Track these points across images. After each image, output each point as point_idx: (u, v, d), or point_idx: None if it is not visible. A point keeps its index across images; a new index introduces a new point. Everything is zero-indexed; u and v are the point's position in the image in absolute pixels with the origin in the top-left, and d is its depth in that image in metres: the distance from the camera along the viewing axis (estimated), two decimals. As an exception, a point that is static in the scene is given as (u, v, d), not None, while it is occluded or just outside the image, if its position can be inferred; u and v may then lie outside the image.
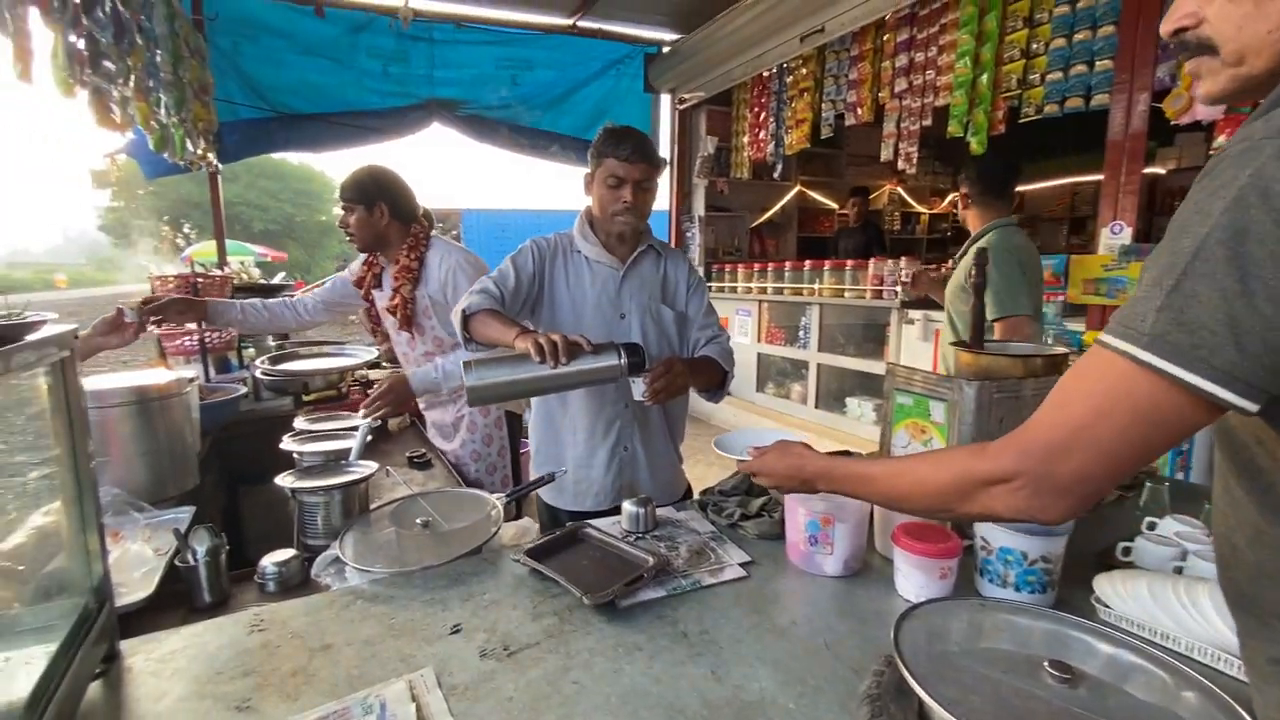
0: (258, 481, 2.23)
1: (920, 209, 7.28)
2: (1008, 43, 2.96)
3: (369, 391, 1.88)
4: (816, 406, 4.66)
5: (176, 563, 1.13)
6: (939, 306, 4.08)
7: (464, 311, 1.39)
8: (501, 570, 1.08)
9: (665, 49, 5.04)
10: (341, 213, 1.90)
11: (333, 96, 4.27)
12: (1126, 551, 1.06)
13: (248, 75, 4.09)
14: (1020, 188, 6.69)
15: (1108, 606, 0.91)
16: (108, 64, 1.80)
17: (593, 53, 4.91)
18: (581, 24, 4.71)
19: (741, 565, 1.07)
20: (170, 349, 2.48)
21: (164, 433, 1.55)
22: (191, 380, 1.70)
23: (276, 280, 4.21)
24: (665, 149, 5.36)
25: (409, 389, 1.88)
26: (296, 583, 1.18)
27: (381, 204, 1.85)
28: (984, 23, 3.03)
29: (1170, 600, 0.86)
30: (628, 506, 1.23)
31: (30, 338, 0.68)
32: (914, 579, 0.95)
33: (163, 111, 2.57)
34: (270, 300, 2.12)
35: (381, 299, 1.99)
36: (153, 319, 1.84)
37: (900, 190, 7.11)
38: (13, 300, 0.78)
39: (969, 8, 3.07)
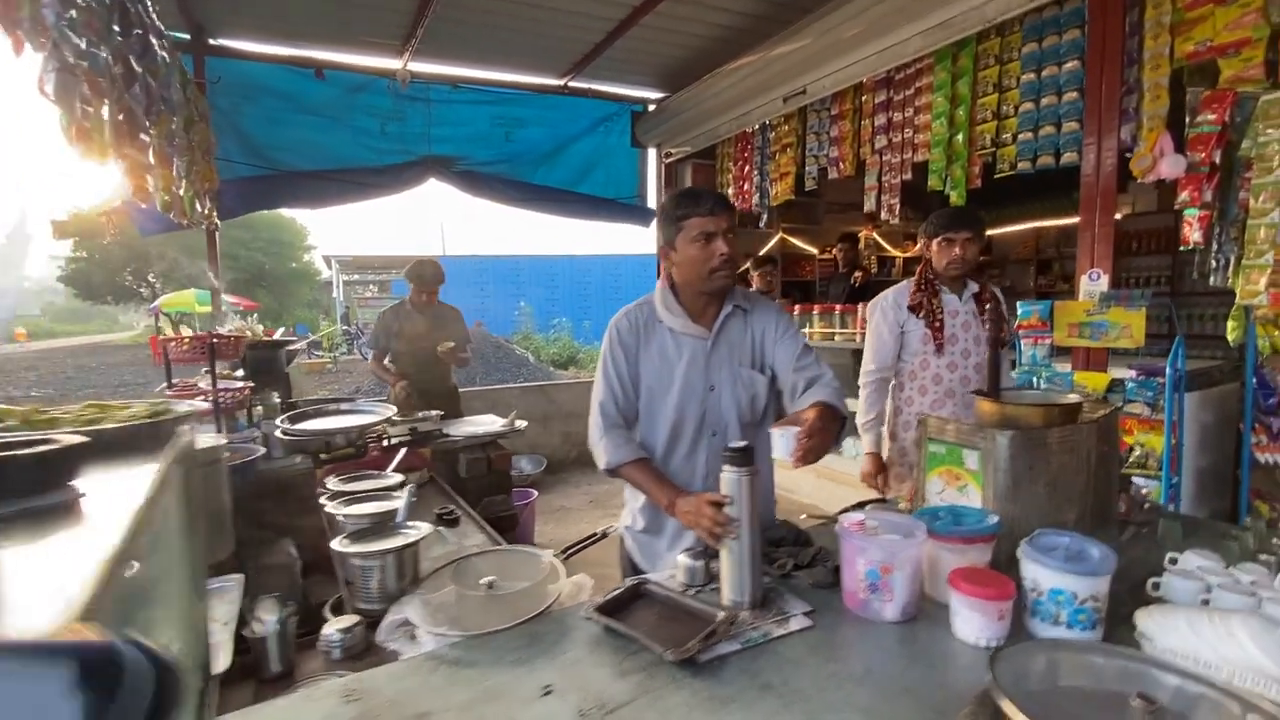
0: (269, 544, 2.20)
1: (895, 252, 7.59)
2: (980, 105, 3.20)
3: (389, 449, 1.89)
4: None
5: (244, 633, 1.14)
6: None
7: (608, 467, 1.47)
8: (571, 627, 1.11)
9: (651, 107, 5.28)
10: (963, 245, 2.17)
11: (330, 154, 4.36)
12: (1156, 586, 1.14)
13: (246, 134, 4.17)
14: (990, 231, 7.05)
15: (1150, 640, 0.98)
16: (144, 137, 1.85)
17: (582, 111, 5.12)
18: (572, 84, 4.93)
19: (804, 615, 1.12)
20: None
21: (205, 499, 1.55)
22: (225, 444, 1.71)
23: (279, 335, 4.17)
24: (653, 199, 5.55)
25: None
26: (361, 649, 1.19)
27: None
28: (956, 88, 3.28)
29: (1207, 632, 0.94)
30: (683, 560, 1.27)
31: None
32: (974, 622, 1.02)
33: (174, 174, 2.61)
34: None
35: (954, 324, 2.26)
36: None
37: (875, 235, 7.43)
38: None
39: (942, 74, 3.32)
